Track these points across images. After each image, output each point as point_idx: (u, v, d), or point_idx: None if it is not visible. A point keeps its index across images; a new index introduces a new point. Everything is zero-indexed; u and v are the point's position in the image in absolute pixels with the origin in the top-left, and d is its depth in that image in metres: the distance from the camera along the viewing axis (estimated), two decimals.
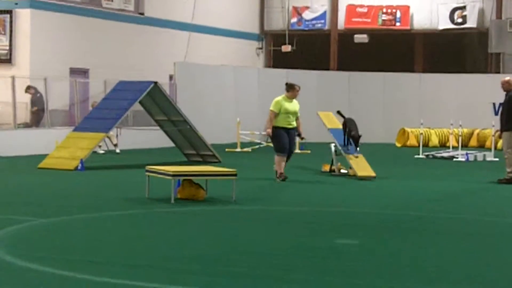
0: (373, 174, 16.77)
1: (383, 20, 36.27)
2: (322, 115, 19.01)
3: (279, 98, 16.07)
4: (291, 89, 16.19)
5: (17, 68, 25.95)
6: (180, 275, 7.37)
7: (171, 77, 30.07)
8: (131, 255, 8.22)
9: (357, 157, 17.05)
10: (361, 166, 17.07)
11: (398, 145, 30.30)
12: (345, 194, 14.36)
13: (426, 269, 7.85)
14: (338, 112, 18.17)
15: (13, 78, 23.68)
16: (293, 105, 16.10)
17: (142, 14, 30.78)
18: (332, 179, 16.84)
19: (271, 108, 15.91)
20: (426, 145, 28.06)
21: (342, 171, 17.65)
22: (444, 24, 35.50)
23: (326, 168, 18.12)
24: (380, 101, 32.87)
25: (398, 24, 36.18)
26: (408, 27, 36.17)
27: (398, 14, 36.11)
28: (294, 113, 16.02)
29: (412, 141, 29.77)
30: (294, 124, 16.06)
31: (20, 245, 8.75)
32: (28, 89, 24.54)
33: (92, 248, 8.63)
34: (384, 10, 36.27)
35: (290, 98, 16.11)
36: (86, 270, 7.42)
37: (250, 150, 25.56)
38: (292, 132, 16.03)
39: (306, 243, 9.11)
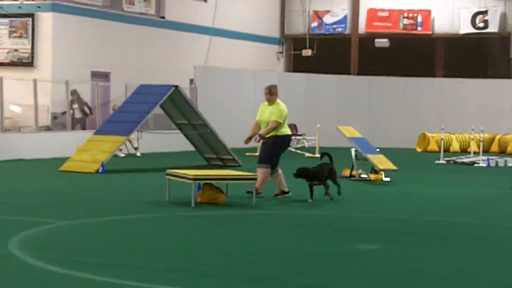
0: (394, 167, 16.79)
1: (404, 24, 36.18)
2: (343, 129, 18.88)
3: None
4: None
5: (39, 71, 26.10)
6: (201, 279, 7.37)
7: (191, 81, 30.14)
8: (151, 258, 8.23)
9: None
10: (381, 160, 17.11)
11: (419, 150, 30.22)
12: (366, 199, 14.32)
13: (448, 275, 7.81)
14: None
15: (35, 81, 23.82)
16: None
17: (163, 17, 30.87)
18: (352, 184, 16.80)
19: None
20: (447, 150, 27.96)
21: (363, 176, 17.61)
22: (466, 28, 35.36)
23: (346, 173, 18.09)
24: (400, 106, 32.79)
25: (419, 28, 36.07)
26: (429, 32, 36.05)
27: (420, 19, 36.00)
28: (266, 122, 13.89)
29: (432, 146, 29.67)
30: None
31: (41, 247, 8.79)
32: (72, 94, 25.15)
33: (113, 250, 8.65)
34: (406, 15, 36.17)
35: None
36: (106, 273, 7.44)
37: None
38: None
39: (326, 248, 9.09)
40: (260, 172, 13.51)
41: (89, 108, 26.20)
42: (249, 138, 13.88)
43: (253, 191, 12.69)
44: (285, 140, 13.88)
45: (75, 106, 25.72)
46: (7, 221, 10.58)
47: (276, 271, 7.77)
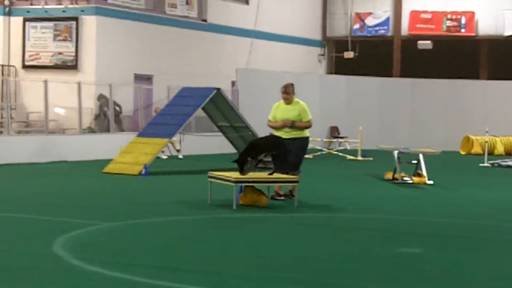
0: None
1: (448, 26, 35.90)
2: None
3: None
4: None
5: (83, 74, 26.35)
6: (242, 281, 7.38)
7: (233, 83, 30.21)
8: (194, 260, 8.26)
9: None
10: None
11: (463, 153, 29.96)
12: (407, 202, 14.24)
13: (491, 282, 7.73)
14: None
15: (79, 84, 24.04)
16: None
17: (205, 20, 30.98)
18: (394, 187, 16.71)
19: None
20: (491, 153, 27.67)
21: (405, 179, 17.50)
22: (510, 30, 34.99)
23: (389, 175, 17.99)
24: (443, 108, 32.54)
25: (462, 30, 35.78)
26: (473, 34, 35.75)
27: (463, 20, 35.71)
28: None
29: (476, 149, 29.40)
30: (301, 134, 13.57)
31: (85, 249, 8.86)
32: (99, 99, 25.35)
33: (156, 252, 8.70)
34: (449, 16, 35.90)
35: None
36: (150, 275, 7.48)
37: (311, 156, 25.49)
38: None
39: (367, 251, 9.06)
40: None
41: (119, 107, 26.23)
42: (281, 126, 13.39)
43: (288, 194, 12.69)
44: (309, 141, 13.80)
45: (105, 109, 25.78)
46: (51, 223, 10.70)
47: (316, 274, 7.75)
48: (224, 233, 10.32)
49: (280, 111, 13.56)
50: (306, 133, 13.54)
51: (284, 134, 13.40)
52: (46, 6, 27.09)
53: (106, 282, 7.22)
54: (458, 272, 8.06)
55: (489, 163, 23.93)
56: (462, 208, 13.47)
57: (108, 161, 19.25)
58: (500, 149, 29.55)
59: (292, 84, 13.79)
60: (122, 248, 8.92)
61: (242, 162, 12.61)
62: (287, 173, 12.88)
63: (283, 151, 12.98)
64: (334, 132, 31.48)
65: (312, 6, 37.52)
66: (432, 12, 36.12)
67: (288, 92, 13.57)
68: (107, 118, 25.56)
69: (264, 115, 28.56)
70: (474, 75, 35.87)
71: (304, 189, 13.76)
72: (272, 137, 13.47)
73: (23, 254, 8.35)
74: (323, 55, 38.26)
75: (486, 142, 25.58)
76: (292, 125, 13.33)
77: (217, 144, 24.39)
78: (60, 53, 26.83)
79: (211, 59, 30.97)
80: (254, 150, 12.77)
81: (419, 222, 11.69)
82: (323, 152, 26.20)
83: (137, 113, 26.43)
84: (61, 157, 21.88)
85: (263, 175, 13.25)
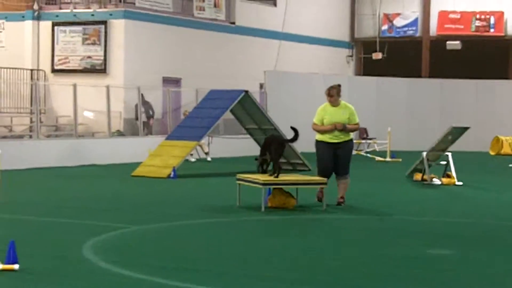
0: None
1: (477, 26, 35.68)
2: None
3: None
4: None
5: (111, 77, 26.50)
6: (270, 283, 7.38)
7: (261, 86, 30.22)
8: (222, 263, 8.28)
9: None
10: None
11: (492, 153, 29.75)
12: (437, 204, 14.17)
13: None
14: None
15: (107, 87, 24.17)
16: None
17: (233, 23, 31.04)
18: (423, 188, 16.63)
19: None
20: None
21: (435, 180, 17.41)
22: None
23: (418, 177, 17.90)
24: (473, 109, 32.32)
25: (492, 30, 35.53)
26: (502, 34, 35.50)
27: (492, 20, 35.47)
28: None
29: (506, 150, 29.19)
30: (346, 137, 13.13)
31: (114, 251, 8.91)
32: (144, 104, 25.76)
33: (185, 255, 8.72)
34: (478, 16, 35.67)
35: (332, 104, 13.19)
36: (179, 277, 7.50)
37: None
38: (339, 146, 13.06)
39: (397, 253, 9.02)
40: (347, 183, 13.19)
41: (152, 111, 26.48)
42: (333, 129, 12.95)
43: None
44: None
45: (142, 110, 25.98)
46: (80, 226, 10.76)
47: (346, 276, 7.73)
48: (252, 235, 10.33)
49: (329, 114, 13.01)
50: (351, 135, 13.21)
51: (333, 138, 12.96)
52: (74, 10, 27.27)
53: (134, 285, 7.25)
54: (487, 274, 8.00)
55: None
56: (491, 209, 13.37)
57: (137, 164, 19.33)
58: None
59: (335, 86, 13.14)
60: (151, 251, 8.95)
61: (261, 163, 12.76)
62: (340, 179, 12.86)
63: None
64: (362, 133, 31.37)
65: (340, 7, 37.46)
66: (460, 12, 35.91)
67: (331, 95, 12.99)
68: (150, 120, 25.95)
69: (292, 117, 28.66)
70: (503, 75, 35.61)
71: (333, 191, 13.71)
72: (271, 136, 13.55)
73: (52, 257, 8.40)
74: (351, 56, 38.17)
75: None
76: (344, 128, 12.89)
77: (245, 146, 24.39)
78: (89, 57, 27.00)
79: (239, 62, 31.02)
80: (263, 149, 12.93)
81: (448, 223, 11.63)
82: (352, 154, 26.08)
83: (166, 116, 26.53)
84: (90, 161, 21.99)
85: (292, 177, 13.23)
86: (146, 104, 26.27)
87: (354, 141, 14.85)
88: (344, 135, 13.01)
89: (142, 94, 25.88)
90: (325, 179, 12.80)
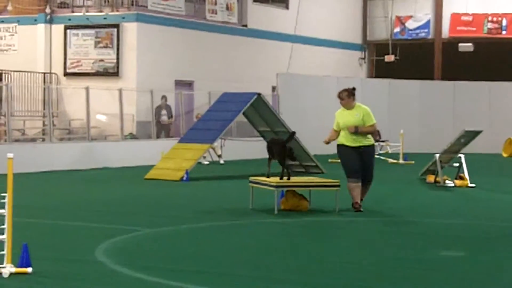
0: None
1: (489, 28, 35.59)
2: None
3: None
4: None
5: (124, 80, 26.55)
6: (283, 285, 7.38)
7: (273, 88, 30.23)
8: (235, 265, 8.28)
9: None
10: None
11: (505, 155, 29.65)
12: (450, 206, 14.13)
13: None
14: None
15: (120, 90, 24.22)
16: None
17: (246, 26, 31.06)
18: (436, 190, 16.59)
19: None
20: None
21: (448, 182, 17.37)
22: None
23: (431, 179, 17.87)
24: (485, 110, 32.23)
25: (504, 32, 35.44)
26: None
27: (504, 22, 35.38)
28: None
29: None
30: (365, 141, 12.76)
31: (128, 254, 8.92)
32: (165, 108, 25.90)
33: (198, 258, 8.73)
34: (490, 18, 35.58)
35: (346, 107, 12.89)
36: (193, 280, 7.51)
37: None
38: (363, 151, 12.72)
39: (410, 255, 9.01)
40: (368, 189, 12.99)
41: (171, 114, 26.62)
42: (327, 142, 12.92)
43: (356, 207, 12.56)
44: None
45: (163, 112, 26.16)
46: (93, 229, 10.78)
47: (359, 279, 7.72)
48: (265, 237, 10.33)
49: (343, 117, 12.67)
50: (371, 140, 12.76)
51: (352, 142, 12.58)
52: (87, 14, 27.35)
53: None
54: (500, 277, 7.98)
55: None
56: (505, 211, 13.33)
57: (149, 167, 19.36)
58: None
59: (348, 89, 12.77)
60: (164, 254, 8.97)
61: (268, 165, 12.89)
62: (365, 184, 12.67)
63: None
64: (375, 135, 31.35)
65: (352, 10, 37.44)
66: (472, 15, 35.84)
67: (342, 98, 12.64)
68: (171, 123, 26.10)
69: (305, 119, 28.66)
70: None
71: (346, 194, 13.69)
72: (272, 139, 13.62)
73: (65, 260, 8.42)
74: (363, 58, 38.14)
75: None
76: (355, 130, 12.51)
77: (258, 149, 24.35)
78: (102, 60, 27.06)
79: (251, 64, 31.03)
80: (269, 151, 13.08)
81: (461, 225, 11.60)
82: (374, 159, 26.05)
83: (178, 119, 26.56)
84: (103, 164, 22.04)
85: (304, 179, 13.21)
86: (168, 107, 26.37)
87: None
88: (363, 139, 12.64)
89: (165, 97, 26.02)
90: (338, 181, 12.74)
